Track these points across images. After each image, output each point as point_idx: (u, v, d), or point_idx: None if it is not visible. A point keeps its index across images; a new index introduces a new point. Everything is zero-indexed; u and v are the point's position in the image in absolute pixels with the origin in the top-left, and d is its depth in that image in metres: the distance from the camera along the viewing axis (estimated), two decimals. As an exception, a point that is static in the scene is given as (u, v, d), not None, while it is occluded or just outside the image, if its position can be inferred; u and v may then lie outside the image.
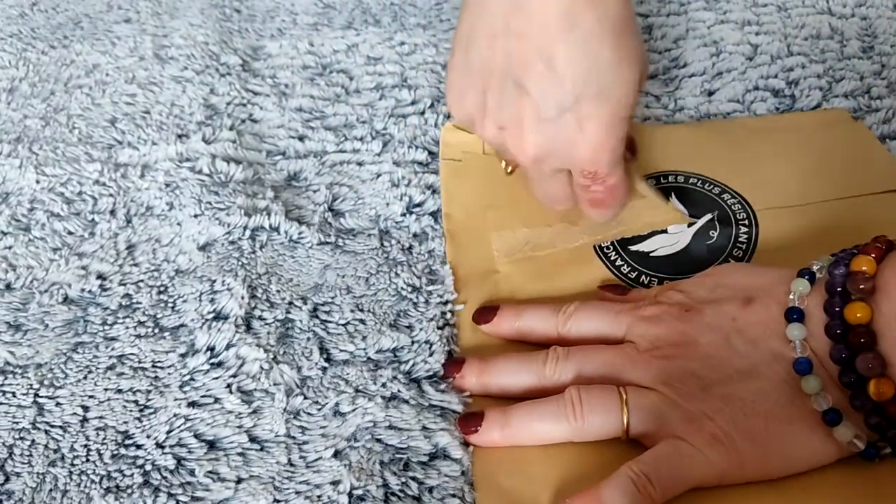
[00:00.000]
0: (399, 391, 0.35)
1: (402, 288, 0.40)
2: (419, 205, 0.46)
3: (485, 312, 0.38)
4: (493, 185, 0.47)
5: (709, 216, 0.43)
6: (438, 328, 0.38)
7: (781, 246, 0.41)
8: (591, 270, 0.41)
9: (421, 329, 0.38)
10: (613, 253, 0.42)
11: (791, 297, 0.31)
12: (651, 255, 0.41)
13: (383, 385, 0.35)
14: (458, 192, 0.47)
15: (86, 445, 0.34)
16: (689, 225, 0.42)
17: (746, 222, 0.42)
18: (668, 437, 0.31)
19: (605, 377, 0.33)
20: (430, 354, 0.37)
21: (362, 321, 0.39)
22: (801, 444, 0.30)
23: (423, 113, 0.54)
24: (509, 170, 0.43)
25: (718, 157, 0.47)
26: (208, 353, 0.37)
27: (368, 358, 0.37)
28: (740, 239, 0.41)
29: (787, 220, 0.42)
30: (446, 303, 0.40)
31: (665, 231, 0.42)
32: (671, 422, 0.31)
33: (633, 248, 0.42)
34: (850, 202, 0.43)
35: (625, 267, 0.41)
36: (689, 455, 0.30)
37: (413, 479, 0.32)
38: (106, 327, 0.39)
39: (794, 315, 0.31)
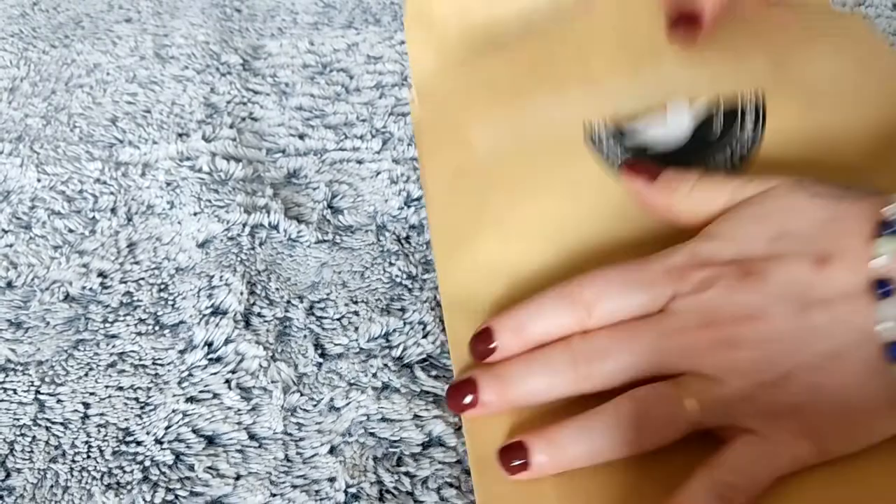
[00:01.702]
0: (390, 380, 0.35)
1: (396, 275, 0.41)
2: (417, 199, 0.46)
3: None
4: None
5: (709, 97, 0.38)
6: (432, 308, 0.38)
7: (789, 141, 0.36)
8: (583, 168, 0.36)
9: (414, 311, 0.38)
10: (611, 138, 0.37)
11: (876, 262, 0.25)
12: (648, 152, 0.37)
13: (374, 375, 0.36)
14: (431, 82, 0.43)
15: (87, 442, 0.34)
16: (689, 103, 0.37)
17: (754, 115, 0.37)
18: (743, 434, 0.27)
19: (652, 369, 0.28)
20: (424, 336, 0.37)
21: (356, 313, 0.39)
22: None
23: (422, 111, 0.54)
24: None
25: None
26: (206, 348, 0.37)
27: (360, 349, 0.37)
28: (745, 135, 0.36)
29: (798, 114, 0.36)
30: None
31: (664, 118, 0.37)
32: (745, 416, 0.27)
33: (629, 144, 0.37)
34: (873, 99, 0.37)
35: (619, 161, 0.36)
36: (774, 454, 0.26)
37: (406, 473, 0.32)
38: (107, 325, 0.39)
39: (884, 288, 0.25)
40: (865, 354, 0.26)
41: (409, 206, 0.46)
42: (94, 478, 0.33)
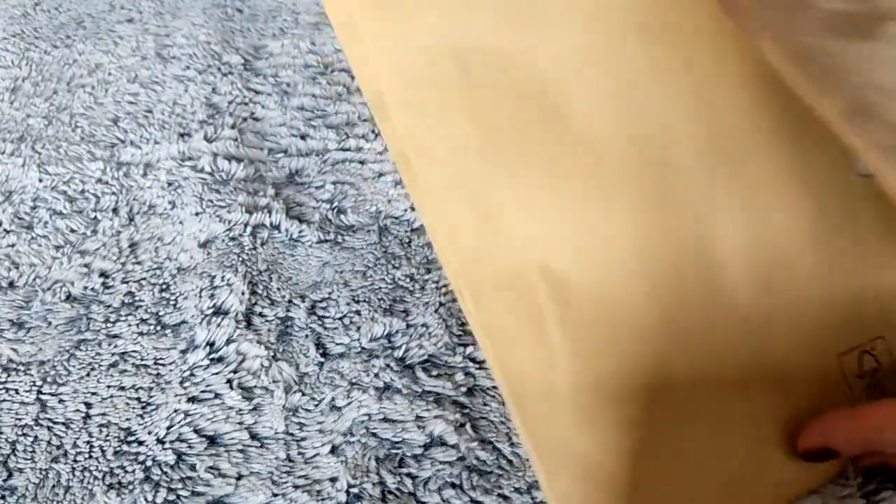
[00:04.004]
0: (392, 380, 0.35)
1: (399, 279, 0.41)
2: (419, 202, 0.46)
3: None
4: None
5: None
6: (435, 311, 0.38)
7: None
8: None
9: (418, 314, 0.38)
10: None
11: None
12: None
13: (376, 375, 0.36)
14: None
15: (88, 442, 0.34)
16: None
17: None
18: None
19: None
20: (428, 338, 0.37)
21: (357, 312, 0.39)
22: None
23: (423, 111, 0.54)
24: None
25: None
26: (208, 347, 0.37)
27: (362, 348, 0.37)
28: None
29: None
30: (441, 287, 0.40)
31: None
32: None
33: None
34: None
35: None
36: None
37: (408, 475, 0.32)
38: (108, 325, 0.39)
39: None
40: None
41: (412, 209, 0.46)
42: (95, 478, 0.33)
